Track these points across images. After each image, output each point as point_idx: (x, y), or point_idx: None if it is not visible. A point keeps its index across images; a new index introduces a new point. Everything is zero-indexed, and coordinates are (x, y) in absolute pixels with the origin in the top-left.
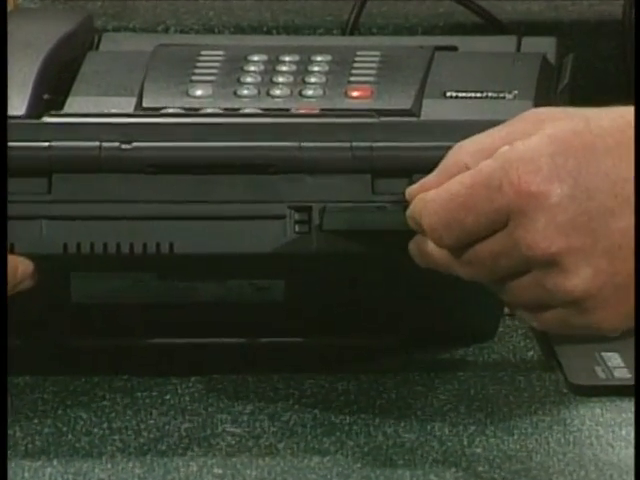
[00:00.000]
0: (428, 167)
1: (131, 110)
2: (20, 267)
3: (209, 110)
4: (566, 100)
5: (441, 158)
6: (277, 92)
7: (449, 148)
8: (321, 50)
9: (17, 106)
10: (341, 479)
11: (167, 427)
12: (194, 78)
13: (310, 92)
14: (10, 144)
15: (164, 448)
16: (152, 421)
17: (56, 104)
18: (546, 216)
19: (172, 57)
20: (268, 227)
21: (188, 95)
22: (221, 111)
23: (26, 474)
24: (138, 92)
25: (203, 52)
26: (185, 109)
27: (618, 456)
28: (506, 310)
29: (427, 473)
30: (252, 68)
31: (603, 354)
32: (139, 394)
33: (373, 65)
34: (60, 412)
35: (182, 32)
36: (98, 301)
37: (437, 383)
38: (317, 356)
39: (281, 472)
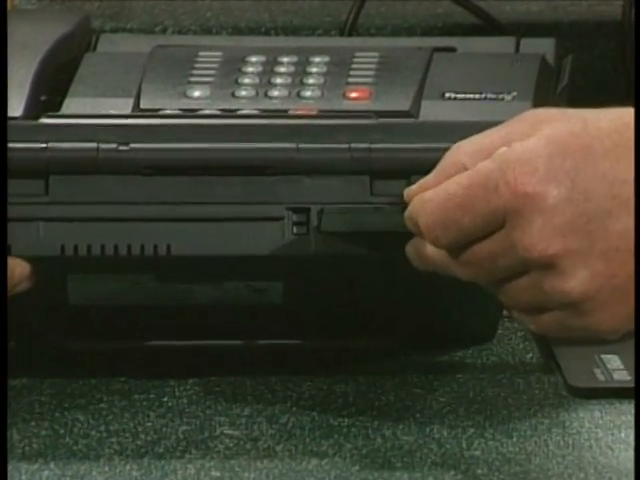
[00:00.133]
0: (426, 168)
1: (129, 111)
2: (17, 269)
3: (207, 111)
4: (565, 101)
5: (439, 159)
6: (275, 93)
7: (447, 149)
8: (319, 51)
9: (14, 107)
10: None
11: (165, 429)
12: (192, 79)
13: (308, 93)
14: (7, 145)
15: (162, 450)
16: (150, 423)
17: (53, 105)
18: (543, 218)
19: (170, 58)
20: (266, 229)
21: (186, 96)
22: (219, 112)
23: (23, 477)
24: (135, 93)
25: (201, 53)
26: (183, 110)
27: (617, 459)
28: (505, 312)
29: (426, 476)
30: (250, 69)
31: (602, 356)
32: (137, 396)
33: (371, 66)
34: (57, 414)
35: (180, 33)
36: (95, 303)
37: (436, 385)
38: (315, 358)
39: (279, 475)
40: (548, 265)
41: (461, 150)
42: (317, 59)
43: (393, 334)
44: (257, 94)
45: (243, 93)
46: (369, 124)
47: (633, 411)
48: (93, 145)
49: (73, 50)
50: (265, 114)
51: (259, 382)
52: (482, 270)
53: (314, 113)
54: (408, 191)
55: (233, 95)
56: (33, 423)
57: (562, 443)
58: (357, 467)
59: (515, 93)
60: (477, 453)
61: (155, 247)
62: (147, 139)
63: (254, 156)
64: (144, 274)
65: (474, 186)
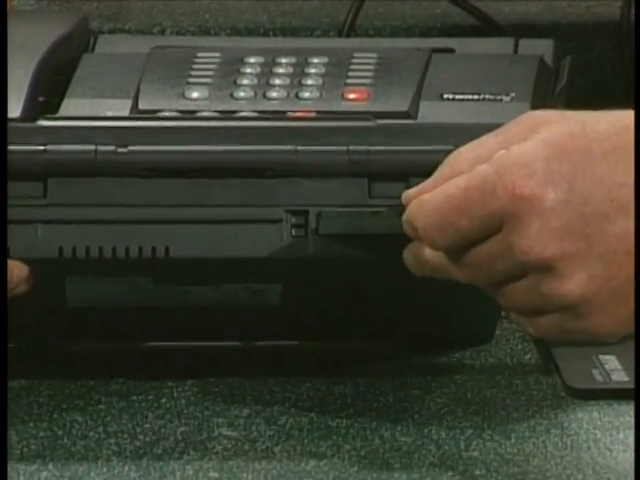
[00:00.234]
0: (425, 170)
1: (127, 112)
2: (15, 271)
3: (205, 113)
4: (563, 102)
5: (438, 161)
6: (273, 94)
7: (446, 151)
8: (318, 52)
9: (12, 108)
10: None
11: (163, 431)
12: (190, 80)
13: (307, 94)
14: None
15: (160, 452)
16: (148, 425)
17: (51, 106)
18: (540, 221)
19: (168, 59)
20: (265, 231)
21: (184, 97)
22: (217, 114)
23: (21, 478)
24: (134, 94)
25: (199, 54)
26: (181, 111)
27: (616, 460)
28: (503, 313)
29: (424, 477)
30: (248, 70)
31: (600, 357)
32: (135, 398)
33: (370, 67)
34: (56, 416)
35: (178, 34)
36: (94, 305)
37: (434, 386)
38: (314, 360)
39: (277, 476)
40: (545, 268)
41: (460, 156)
42: (315, 60)
43: (391, 336)
44: (255, 95)
45: (241, 94)
46: (367, 126)
47: (631, 412)
48: (91, 147)
49: (71, 51)
50: (263, 116)
51: (257, 383)
52: (480, 272)
53: (312, 115)
54: (406, 194)
55: (231, 96)
56: (31, 424)
57: (560, 444)
58: (355, 468)
59: (513, 94)
60: (475, 454)
61: (153, 249)
62: (145, 141)
63: (252, 158)
64: (142, 276)
65: (471, 189)
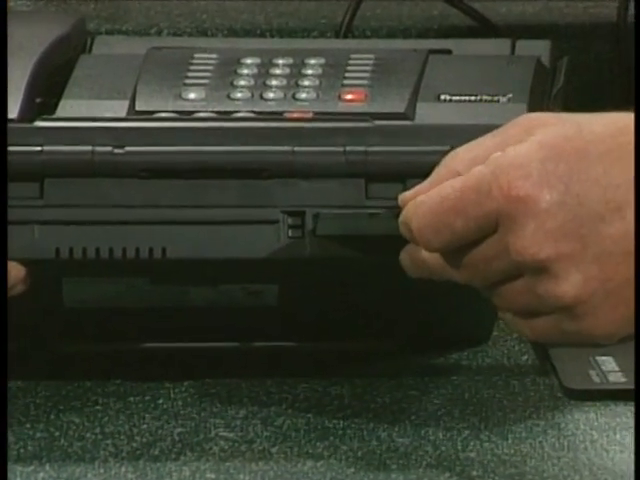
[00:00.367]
0: (422, 171)
1: (124, 113)
2: (12, 272)
3: (202, 114)
4: (560, 103)
5: (435, 162)
6: (270, 95)
7: (443, 152)
8: (315, 53)
9: (10, 109)
10: None
11: (160, 432)
12: (187, 81)
13: (303, 95)
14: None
15: (157, 453)
16: (145, 426)
17: (48, 107)
18: (535, 222)
19: (165, 60)
20: (261, 232)
21: (181, 98)
22: (214, 115)
23: (18, 479)
24: (131, 95)
25: (196, 55)
26: (178, 112)
27: (612, 460)
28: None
29: (421, 477)
30: (245, 71)
31: (597, 358)
32: (132, 399)
33: (367, 68)
34: (52, 417)
35: (175, 35)
36: (91, 306)
37: (431, 387)
38: (311, 361)
39: (274, 477)
40: (541, 269)
41: (457, 158)
42: (312, 61)
43: (388, 337)
44: (252, 96)
45: (238, 95)
46: (364, 127)
47: (629, 413)
48: (88, 148)
49: (68, 52)
50: (261, 117)
51: (254, 384)
52: (476, 273)
53: (309, 116)
54: (403, 196)
55: (228, 97)
56: (28, 425)
57: (557, 445)
58: (352, 469)
59: (510, 95)
60: (472, 455)
61: (150, 250)
62: (143, 142)
63: (250, 159)
64: (139, 277)
65: (467, 190)
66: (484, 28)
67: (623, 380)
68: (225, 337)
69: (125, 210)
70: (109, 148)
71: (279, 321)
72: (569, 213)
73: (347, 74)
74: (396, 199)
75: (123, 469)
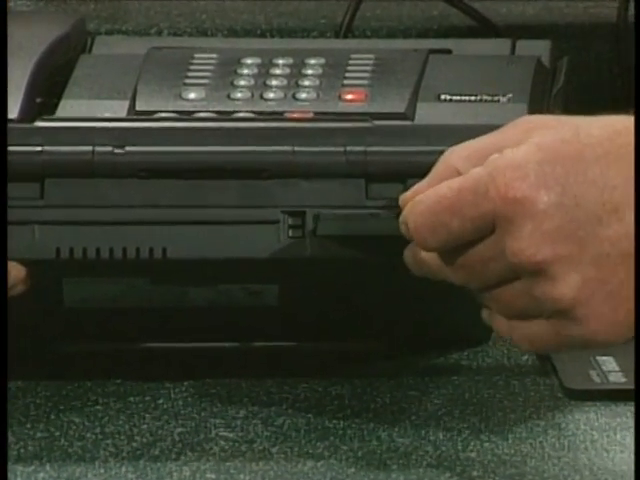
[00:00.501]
0: (422, 171)
1: (124, 113)
2: (12, 272)
3: (202, 114)
4: (561, 103)
5: (435, 162)
6: (271, 95)
7: (443, 152)
8: (315, 53)
9: (10, 109)
10: None
11: (160, 432)
12: (187, 81)
13: (304, 95)
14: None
15: (157, 453)
16: (145, 426)
17: (49, 107)
18: (533, 223)
19: (165, 60)
20: (262, 232)
21: (181, 98)
22: (214, 115)
23: (19, 479)
24: (131, 95)
25: (196, 55)
26: (178, 112)
27: (613, 461)
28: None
29: (421, 478)
30: (245, 71)
31: (598, 358)
32: (132, 399)
33: (367, 68)
34: (53, 417)
35: (175, 35)
36: (91, 306)
37: (431, 387)
38: (311, 360)
39: (274, 477)
40: (537, 271)
41: (454, 155)
42: (312, 61)
43: (389, 337)
44: (252, 96)
45: (238, 95)
46: (365, 127)
47: (629, 413)
48: (88, 148)
49: (68, 52)
50: (261, 117)
51: (254, 384)
52: (473, 275)
53: (310, 116)
54: (403, 197)
55: (229, 97)
56: (28, 425)
57: (558, 445)
58: (353, 469)
59: (511, 95)
60: (473, 455)
61: (151, 250)
62: (143, 142)
63: (250, 159)
64: (140, 277)
65: (464, 190)
66: (484, 28)
67: (623, 380)
68: (225, 337)
69: (125, 210)
70: (109, 148)
71: (279, 321)
72: (566, 215)
73: (347, 74)
74: (396, 199)
75: (123, 469)
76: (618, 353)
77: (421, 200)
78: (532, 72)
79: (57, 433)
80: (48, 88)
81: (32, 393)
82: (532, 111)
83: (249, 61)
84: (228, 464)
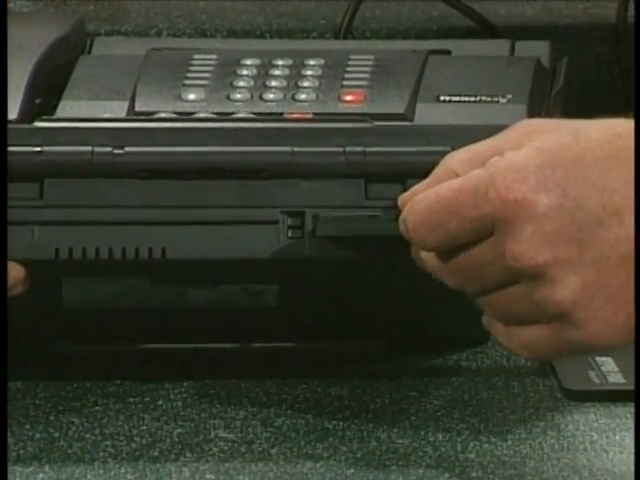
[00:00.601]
0: (422, 172)
1: (123, 114)
2: (12, 272)
3: (202, 115)
4: (560, 104)
5: (435, 163)
6: (270, 96)
7: (443, 153)
8: (314, 54)
9: (10, 110)
10: None
11: (159, 432)
12: (187, 82)
13: (303, 96)
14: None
15: (156, 454)
16: (144, 427)
17: (48, 108)
18: (533, 225)
19: (165, 61)
20: (261, 232)
21: (181, 99)
22: (214, 115)
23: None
24: (130, 96)
25: (196, 56)
26: (178, 113)
27: (612, 461)
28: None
29: (421, 478)
30: (245, 72)
31: (597, 359)
32: (131, 399)
33: (366, 69)
34: (52, 418)
35: (175, 36)
36: (90, 306)
37: (431, 388)
38: (310, 361)
39: (274, 477)
40: (537, 274)
41: (454, 159)
42: (312, 62)
43: (388, 337)
44: (252, 97)
45: (238, 96)
46: (364, 127)
47: (628, 414)
48: (88, 149)
49: (68, 53)
50: (260, 118)
51: (254, 385)
52: (470, 278)
53: (309, 116)
54: (402, 197)
55: (228, 98)
56: (28, 426)
57: (557, 446)
58: (352, 470)
59: (510, 96)
60: (472, 456)
61: (150, 250)
62: (142, 142)
63: (249, 160)
64: (139, 278)
65: (464, 191)
66: (483, 29)
67: (623, 381)
68: (225, 338)
69: (125, 210)
70: (109, 149)
71: (279, 322)
72: (567, 217)
73: (347, 75)
74: (395, 199)
75: (123, 470)
76: (617, 354)
77: (420, 199)
78: (531, 73)
79: (56, 434)
80: (47, 89)
81: (31, 394)
82: (531, 112)
83: (248, 62)
84: (227, 465)
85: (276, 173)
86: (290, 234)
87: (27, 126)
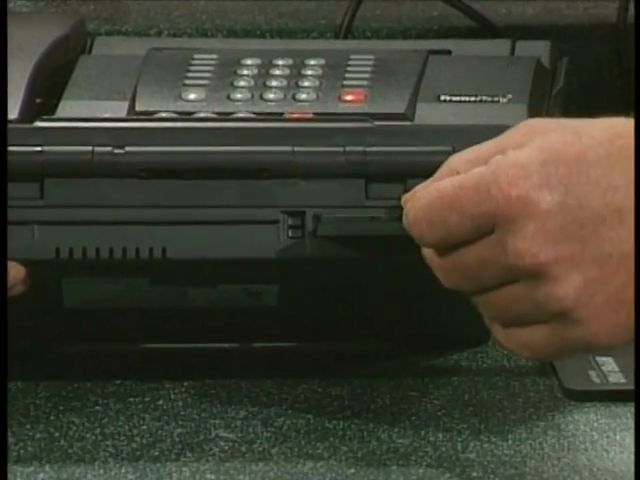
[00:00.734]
0: (422, 172)
1: (124, 114)
2: (12, 272)
3: (202, 114)
4: (560, 104)
5: (435, 162)
6: (270, 96)
7: (443, 153)
8: (314, 54)
9: (10, 110)
10: None
11: (160, 432)
12: (187, 82)
13: (304, 96)
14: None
15: (157, 453)
16: (145, 426)
17: (49, 108)
18: (535, 223)
19: (165, 61)
20: (262, 232)
21: (181, 99)
22: (214, 115)
23: (18, 479)
24: (131, 96)
25: (196, 56)
26: (178, 113)
27: (613, 461)
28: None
29: (421, 478)
30: (245, 72)
31: (598, 359)
32: (132, 399)
33: (367, 69)
34: (52, 417)
35: (175, 35)
36: (91, 306)
37: (431, 388)
38: (311, 361)
39: (274, 477)
40: (539, 272)
41: (457, 159)
42: (312, 62)
43: (388, 337)
44: (252, 97)
45: (238, 96)
46: (365, 127)
47: (629, 414)
48: (88, 148)
49: (68, 53)
50: (260, 117)
51: (254, 385)
52: (469, 277)
53: (309, 116)
54: (405, 197)
55: (228, 98)
56: (28, 426)
57: (557, 446)
58: (352, 470)
59: (510, 96)
60: (472, 456)
61: (150, 250)
62: (142, 142)
63: (250, 159)
64: (139, 277)
65: (466, 188)
66: (484, 29)
67: (623, 381)
68: (225, 337)
69: (125, 210)
70: (109, 148)
71: (279, 321)
72: (569, 215)
73: (347, 75)
74: (396, 199)
75: (123, 470)
76: (618, 354)
77: (422, 195)
78: (532, 73)
79: (57, 434)
80: (48, 89)
81: (32, 394)
82: (532, 112)
83: (249, 62)
84: (228, 465)
85: (276, 173)
86: (290, 234)
87: (27, 126)
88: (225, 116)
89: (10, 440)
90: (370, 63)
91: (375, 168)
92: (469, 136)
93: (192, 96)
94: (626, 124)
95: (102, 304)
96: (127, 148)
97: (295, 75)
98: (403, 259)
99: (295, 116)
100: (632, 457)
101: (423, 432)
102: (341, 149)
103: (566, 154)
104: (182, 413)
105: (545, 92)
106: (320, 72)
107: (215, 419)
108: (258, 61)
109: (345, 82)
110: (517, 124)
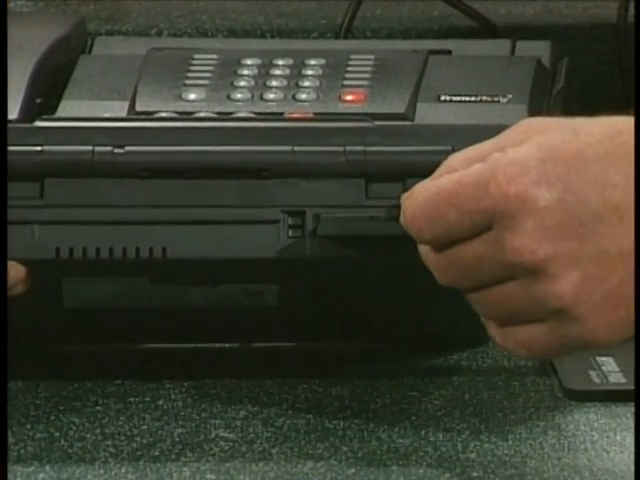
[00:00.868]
0: (422, 171)
1: (124, 114)
2: (12, 272)
3: (202, 114)
4: (560, 104)
5: (435, 162)
6: (271, 96)
7: (443, 152)
8: (315, 54)
9: (10, 109)
10: None
11: (160, 432)
12: (187, 82)
13: (304, 96)
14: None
15: (157, 453)
16: (145, 426)
17: (49, 108)
18: (534, 219)
19: (165, 61)
20: (262, 232)
21: (181, 99)
22: (214, 115)
23: (18, 479)
24: (131, 96)
25: (196, 56)
26: (178, 113)
27: (613, 461)
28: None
29: (421, 478)
30: (246, 72)
31: (598, 359)
32: (132, 399)
33: (367, 69)
34: (53, 417)
35: (175, 35)
36: (91, 306)
37: (431, 388)
38: (311, 361)
39: (274, 477)
40: (538, 269)
41: (456, 157)
42: (312, 62)
43: (388, 337)
44: (253, 97)
45: (239, 96)
46: (364, 127)
47: (629, 414)
48: (88, 148)
49: (69, 53)
50: (260, 117)
51: (254, 385)
52: (465, 274)
53: (310, 116)
54: (403, 197)
55: (229, 98)
56: (28, 426)
57: (557, 446)
58: (353, 470)
59: (511, 96)
60: (472, 456)
61: (150, 250)
62: (142, 142)
63: (250, 159)
64: (139, 277)
65: (464, 184)
66: (484, 29)
67: (623, 381)
68: (225, 337)
69: (125, 210)
70: (109, 148)
71: (279, 321)
72: (568, 212)
73: (347, 75)
74: (396, 199)
75: (123, 470)
76: (618, 353)
77: (420, 192)
78: (532, 73)
79: (57, 434)
80: (48, 88)
81: (32, 394)
82: (532, 111)
83: (249, 62)
84: (228, 465)
85: (277, 172)
86: (290, 234)
87: (28, 126)
88: (225, 116)
89: (10, 440)
90: (370, 63)
91: (375, 168)
92: (469, 136)
93: (192, 96)
94: (625, 122)
95: (102, 304)
96: (127, 148)
97: (295, 75)
98: (403, 259)
99: (295, 116)
100: (632, 457)
101: (423, 432)
102: (341, 149)
103: (564, 151)
104: (182, 413)
105: (545, 92)
106: (320, 72)
107: (215, 419)
108: (258, 61)
109: (345, 82)
110: (517, 123)
